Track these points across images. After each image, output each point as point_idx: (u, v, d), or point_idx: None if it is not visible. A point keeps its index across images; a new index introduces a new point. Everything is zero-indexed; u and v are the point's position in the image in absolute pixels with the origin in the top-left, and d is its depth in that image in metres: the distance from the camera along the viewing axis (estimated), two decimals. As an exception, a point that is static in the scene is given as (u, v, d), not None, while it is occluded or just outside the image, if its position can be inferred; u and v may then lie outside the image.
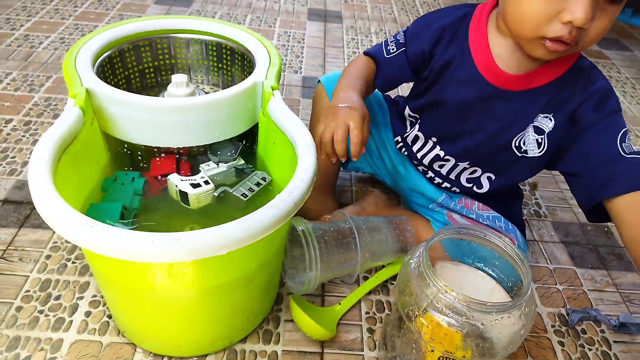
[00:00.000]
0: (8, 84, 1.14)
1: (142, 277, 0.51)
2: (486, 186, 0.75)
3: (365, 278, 0.77)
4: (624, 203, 0.58)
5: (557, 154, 0.67)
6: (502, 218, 0.76)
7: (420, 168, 0.81)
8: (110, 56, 0.76)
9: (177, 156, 0.74)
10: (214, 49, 0.83)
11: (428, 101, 0.74)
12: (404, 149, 0.81)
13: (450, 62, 0.69)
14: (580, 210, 0.97)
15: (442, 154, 0.75)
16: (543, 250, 0.88)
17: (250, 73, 0.72)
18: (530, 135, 0.67)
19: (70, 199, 0.48)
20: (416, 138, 0.78)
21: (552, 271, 0.84)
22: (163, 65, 0.84)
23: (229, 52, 0.83)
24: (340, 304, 0.72)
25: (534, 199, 0.99)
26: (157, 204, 0.69)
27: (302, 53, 1.43)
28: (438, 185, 0.81)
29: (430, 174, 0.80)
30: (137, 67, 0.81)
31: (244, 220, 0.47)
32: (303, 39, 1.51)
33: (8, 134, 0.98)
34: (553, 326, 0.74)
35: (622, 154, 0.60)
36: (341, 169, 0.92)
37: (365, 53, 0.77)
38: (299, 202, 0.52)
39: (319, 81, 0.84)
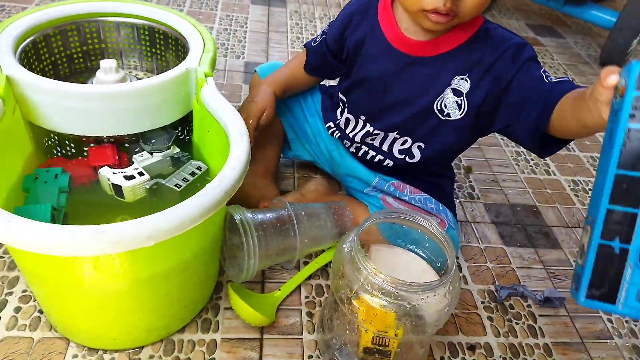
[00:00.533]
0: None
1: (68, 271, 0.50)
2: (417, 155, 0.78)
3: (306, 263, 0.78)
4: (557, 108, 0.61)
5: (487, 117, 0.71)
6: (433, 200, 0.79)
7: (354, 147, 0.84)
8: (34, 41, 0.72)
9: (115, 145, 0.71)
10: (146, 32, 0.81)
11: (352, 81, 0.79)
12: (337, 133, 0.85)
13: (363, 41, 0.75)
14: (511, 191, 1.02)
15: (371, 129, 0.79)
16: (475, 230, 0.92)
17: (184, 57, 0.71)
18: (450, 98, 0.71)
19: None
20: (347, 121, 0.82)
21: (482, 250, 0.88)
22: (92, 50, 0.81)
23: (162, 37, 0.81)
24: (279, 289, 0.73)
25: (468, 182, 1.04)
26: (86, 198, 0.67)
27: (245, 38, 1.41)
28: (373, 164, 0.83)
29: (364, 148, 0.82)
30: (64, 52, 0.78)
31: (171, 210, 0.47)
32: (246, 24, 1.49)
33: None
34: (483, 302, 0.78)
35: (548, 81, 0.64)
36: (281, 156, 0.93)
37: (304, 45, 0.87)
38: (229, 191, 0.52)
39: (255, 70, 0.89)
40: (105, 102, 0.62)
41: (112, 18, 0.78)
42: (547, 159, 1.15)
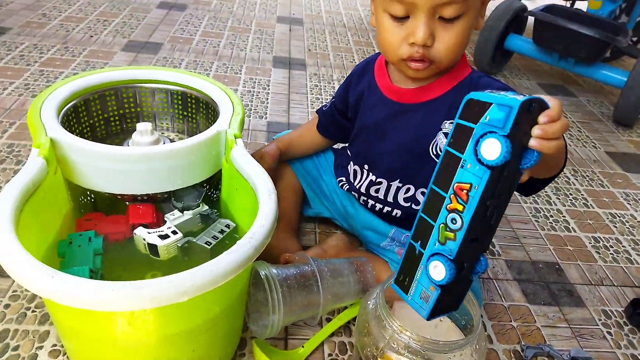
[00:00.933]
0: (-31, 130, 1.13)
1: (103, 325, 0.52)
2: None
3: (328, 320, 0.79)
4: None
5: None
6: None
7: (362, 200, 0.88)
8: (75, 105, 0.78)
9: (154, 204, 0.75)
10: (179, 97, 0.86)
11: (354, 133, 0.86)
12: (346, 186, 0.89)
13: (362, 95, 0.83)
14: (532, 248, 1.03)
15: (374, 178, 0.83)
16: (497, 287, 0.91)
17: (214, 120, 0.75)
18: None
19: (33, 248, 0.49)
20: (355, 173, 0.87)
21: (506, 308, 0.87)
22: (128, 114, 0.86)
23: (193, 101, 0.86)
24: (303, 346, 0.73)
25: (489, 238, 1.04)
26: (120, 255, 0.69)
27: (267, 99, 1.48)
28: (383, 216, 0.86)
29: (371, 202, 0.86)
30: (102, 115, 0.83)
31: (205, 267, 0.49)
32: (268, 86, 1.56)
33: (-33, 181, 0.97)
34: (509, 362, 0.77)
35: None
36: (303, 214, 0.97)
37: (316, 111, 0.96)
38: (259, 248, 0.54)
39: (273, 139, 0.99)
40: (142, 163, 0.66)
41: (147, 84, 0.84)
42: (565, 215, 1.15)
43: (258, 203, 0.61)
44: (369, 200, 0.86)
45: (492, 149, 0.43)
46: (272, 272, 0.72)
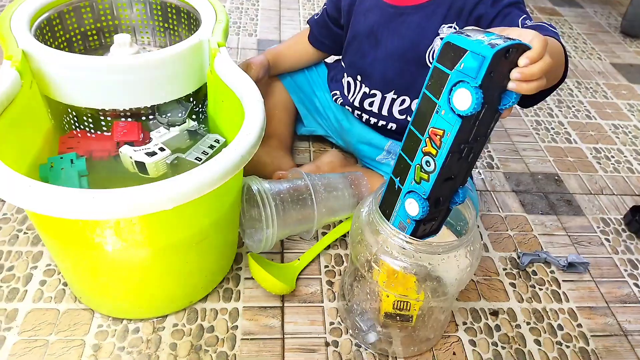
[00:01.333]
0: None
1: (89, 237, 0.51)
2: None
3: (324, 234, 0.78)
4: None
5: None
6: None
7: (356, 114, 0.85)
8: (48, 18, 0.73)
9: (139, 122, 0.72)
10: (159, 7, 0.81)
11: (347, 40, 0.81)
12: (340, 100, 0.86)
13: (360, 4, 0.78)
14: (531, 160, 1.01)
15: (367, 90, 0.80)
16: (495, 199, 0.91)
17: (196, 30, 0.70)
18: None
19: (12, 164, 0.47)
20: (348, 85, 0.84)
21: (503, 218, 0.87)
22: (106, 27, 0.81)
23: (174, 11, 0.80)
24: (299, 259, 0.73)
25: (487, 151, 1.02)
26: (107, 174, 0.67)
27: (257, 16, 1.40)
28: (379, 129, 0.83)
29: (365, 116, 0.83)
30: (78, 29, 0.78)
31: (190, 173, 0.47)
32: (257, 2, 1.48)
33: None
34: (505, 269, 0.77)
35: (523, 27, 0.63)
36: (296, 133, 0.95)
37: (307, 21, 0.91)
38: (246, 156, 0.52)
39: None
40: (121, 73, 0.62)
41: (124, -6, 0.78)
42: (567, 127, 1.12)
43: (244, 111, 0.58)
44: (364, 115, 0.83)
45: (463, 100, 0.43)
46: (265, 186, 0.70)
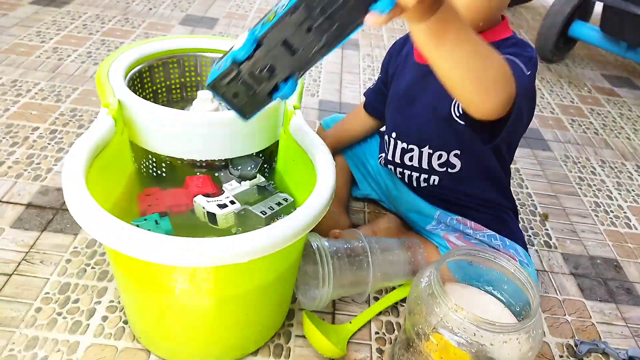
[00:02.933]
0: (36, 93, 1.18)
1: (164, 281, 0.53)
2: (458, 164, 0.80)
3: (376, 298, 0.78)
4: None
5: None
6: (498, 236, 0.78)
7: (398, 172, 0.86)
8: (140, 71, 0.79)
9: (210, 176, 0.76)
10: (239, 68, 0.87)
11: (388, 100, 0.87)
12: (382, 160, 0.89)
13: (399, 65, 0.84)
14: (590, 243, 0.98)
15: (405, 145, 0.83)
16: (552, 280, 0.88)
17: (273, 92, 0.75)
18: None
19: (100, 203, 0.50)
20: (388, 143, 0.87)
21: (561, 302, 0.84)
22: (189, 82, 0.87)
23: (253, 72, 0.86)
24: (351, 322, 0.73)
25: (545, 230, 1.01)
26: (184, 224, 0.70)
27: (320, 77, 1.47)
28: (423, 190, 0.84)
29: (407, 172, 0.85)
30: (164, 82, 0.84)
31: (266, 230, 0.49)
32: (321, 64, 1.55)
33: (34, 141, 1.02)
34: (561, 356, 0.75)
35: None
36: (351, 195, 0.98)
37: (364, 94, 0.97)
38: (317, 216, 0.54)
39: (320, 123, 1.03)
40: (203, 127, 0.66)
41: (209, 54, 0.84)
42: (627, 211, 1.10)
43: (315, 174, 0.61)
44: (405, 171, 0.85)
45: None
46: (324, 244, 0.72)
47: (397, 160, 0.85)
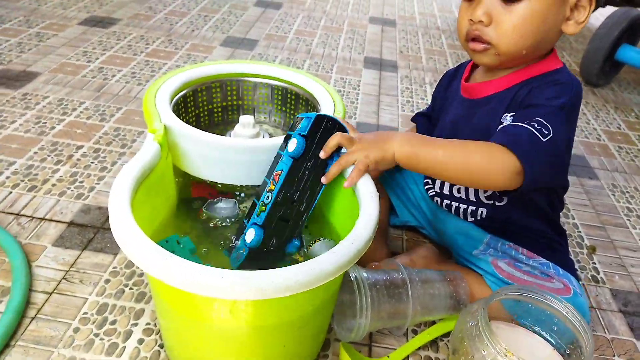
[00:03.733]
0: (81, 112, 1.21)
1: (204, 310, 0.53)
2: (505, 197, 0.78)
3: (414, 332, 0.76)
4: None
5: None
6: (551, 264, 0.75)
7: (445, 204, 0.85)
8: (185, 95, 0.80)
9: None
10: (280, 93, 0.87)
11: (435, 132, 0.86)
12: (431, 190, 0.87)
13: (447, 97, 0.85)
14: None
15: None
16: (601, 318, 0.84)
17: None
18: None
19: (144, 228, 0.51)
20: None
21: (609, 341, 0.80)
22: (230, 106, 0.88)
23: (293, 97, 0.86)
24: (389, 356, 0.71)
25: (592, 263, 0.96)
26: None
27: (357, 99, 1.47)
28: (470, 217, 0.82)
29: (455, 203, 0.83)
30: (207, 106, 0.86)
31: (309, 264, 0.48)
32: (358, 86, 1.55)
33: (78, 160, 1.04)
34: (612, 401, 0.70)
35: (508, 123, 0.67)
36: (390, 222, 0.96)
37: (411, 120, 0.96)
38: (361, 250, 0.53)
39: None
40: (246, 154, 0.67)
41: (252, 78, 0.85)
42: (681, 246, 1.04)
43: (357, 204, 0.60)
44: (453, 203, 0.83)
45: (293, 144, 0.64)
46: (362, 275, 0.70)
47: (446, 192, 0.83)
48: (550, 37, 0.69)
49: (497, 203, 0.79)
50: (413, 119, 0.96)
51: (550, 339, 0.62)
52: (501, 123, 0.71)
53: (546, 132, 0.63)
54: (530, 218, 0.79)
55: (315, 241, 0.70)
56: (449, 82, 0.86)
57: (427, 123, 0.92)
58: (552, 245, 0.79)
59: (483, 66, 0.76)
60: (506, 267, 0.76)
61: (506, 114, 0.71)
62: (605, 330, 0.82)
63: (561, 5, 0.66)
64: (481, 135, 0.74)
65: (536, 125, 0.63)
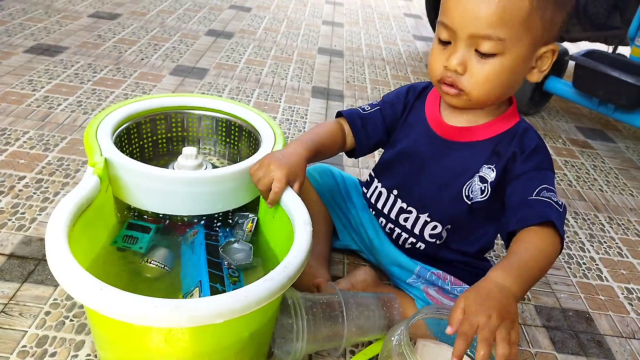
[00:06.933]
0: (24, 142, 1.20)
1: (141, 339, 0.55)
2: (445, 236, 0.83)
3: (352, 352, 0.80)
4: (516, 235, 0.68)
5: (496, 203, 0.77)
6: None
7: (388, 228, 0.88)
8: (128, 127, 0.83)
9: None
10: (224, 125, 0.91)
11: (391, 154, 0.87)
12: (370, 209, 0.91)
13: (410, 116, 0.85)
14: (562, 295, 1.01)
15: (404, 205, 0.85)
16: (525, 333, 0.90)
17: (255, 148, 0.78)
18: (476, 184, 0.77)
19: (80, 259, 0.52)
20: (379, 195, 0.89)
21: (533, 355, 0.86)
22: (175, 137, 0.91)
23: (237, 129, 0.90)
24: (326, 376, 0.74)
25: (518, 282, 1.03)
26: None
27: (305, 127, 1.52)
28: (407, 250, 0.87)
29: (397, 230, 0.87)
30: (151, 137, 0.88)
31: (240, 292, 0.52)
32: (306, 114, 1.60)
33: (20, 191, 1.04)
34: (533, 411, 0.76)
35: (531, 197, 0.70)
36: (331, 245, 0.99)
37: (338, 113, 0.90)
38: (292, 277, 0.56)
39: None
40: (187, 185, 0.69)
41: (196, 111, 0.88)
42: (598, 263, 1.13)
43: (293, 232, 0.64)
44: (396, 229, 0.87)
45: None
46: (299, 299, 0.74)
47: (392, 216, 0.87)
48: (516, 86, 0.74)
49: (437, 242, 0.84)
50: (349, 119, 0.88)
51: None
52: (477, 171, 0.77)
53: (558, 201, 0.70)
54: (459, 255, 0.85)
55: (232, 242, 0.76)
56: (413, 102, 0.85)
57: (362, 132, 0.87)
58: (477, 272, 0.85)
59: (452, 107, 0.77)
60: (435, 293, 0.82)
61: (485, 165, 0.76)
62: (530, 344, 0.88)
63: (530, 59, 0.71)
64: (452, 176, 0.79)
65: (553, 197, 0.69)
